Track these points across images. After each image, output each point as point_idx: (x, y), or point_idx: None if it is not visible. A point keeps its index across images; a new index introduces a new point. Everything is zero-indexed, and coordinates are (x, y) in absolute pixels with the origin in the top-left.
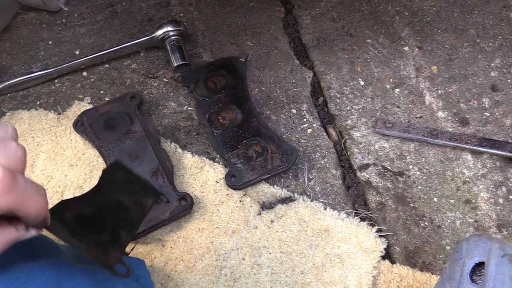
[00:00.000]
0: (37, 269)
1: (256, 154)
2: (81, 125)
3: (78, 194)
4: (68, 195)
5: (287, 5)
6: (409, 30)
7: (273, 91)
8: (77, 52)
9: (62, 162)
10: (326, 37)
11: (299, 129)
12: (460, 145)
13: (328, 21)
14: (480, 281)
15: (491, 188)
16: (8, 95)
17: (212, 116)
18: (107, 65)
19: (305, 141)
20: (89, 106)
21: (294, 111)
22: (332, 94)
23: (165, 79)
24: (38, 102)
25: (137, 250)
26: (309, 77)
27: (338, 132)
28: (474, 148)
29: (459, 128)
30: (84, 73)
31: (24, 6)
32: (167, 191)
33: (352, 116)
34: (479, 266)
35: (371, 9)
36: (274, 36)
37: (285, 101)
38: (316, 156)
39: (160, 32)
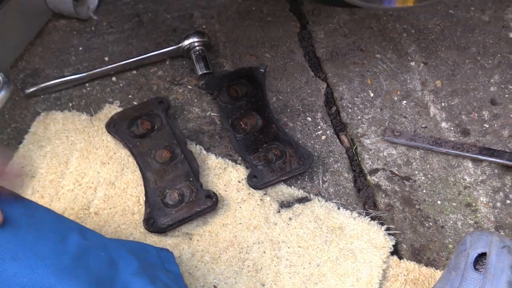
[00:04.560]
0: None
1: (275, 157)
2: (113, 126)
3: (110, 190)
4: (101, 191)
5: (302, 21)
6: (416, 47)
7: (290, 100)
8: (106, 59)
9: (95, 160)
10: (338, 51)
11: (314, 135)
12: (461, 153)
13: (341, 36)
14: (482, 269)
15: (489, 193)
16: (42, 96)
17: (234, 121)
18: (134, 72)
19: (320, 146)
20: (119, 109)
21: (309, 119)
22: (344, 104)
23: (189, 86)
24: (71, 104)
25: (166, 242)
26: (323, 87)
27: (349, 139)
28: (475, 156)
29: (460, 138)
30: (114, 78)
31: (55, 14)
32: (196, 187)
33: (363, 125)
34: (481, 257)
35: (380, 26)
36: (291, 49)
37: (301, 109)
38: (330, 161)
39: (186, 42)
